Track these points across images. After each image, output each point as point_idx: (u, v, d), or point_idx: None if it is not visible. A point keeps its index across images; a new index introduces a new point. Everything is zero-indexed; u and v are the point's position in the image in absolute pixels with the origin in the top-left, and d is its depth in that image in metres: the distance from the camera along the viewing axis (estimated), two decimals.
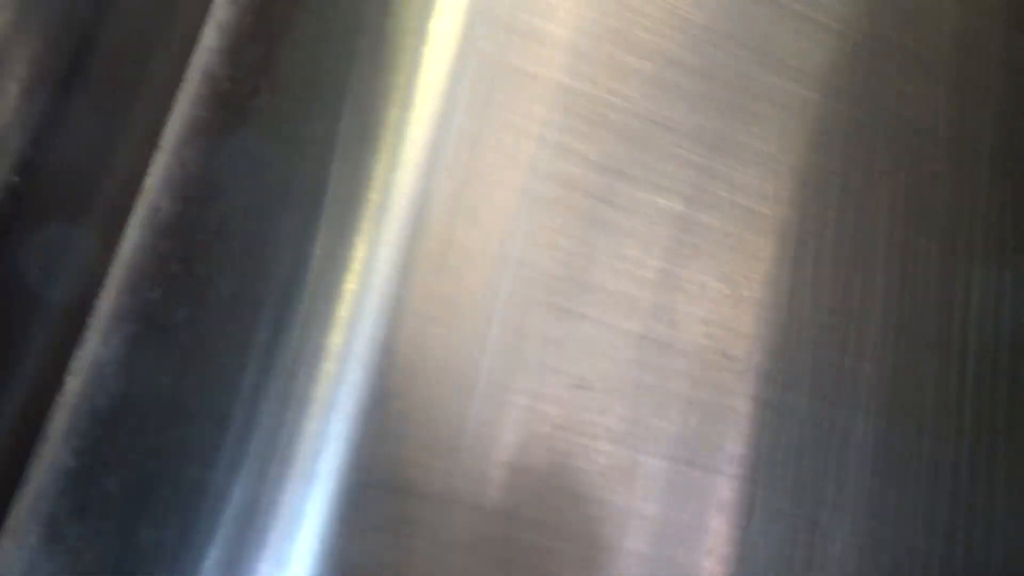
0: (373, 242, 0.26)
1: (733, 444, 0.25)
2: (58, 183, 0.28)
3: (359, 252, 0.27)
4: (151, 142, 0.28)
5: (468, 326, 0.25)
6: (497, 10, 0.28)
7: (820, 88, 0.29)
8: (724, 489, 0.25)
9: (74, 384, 0.27)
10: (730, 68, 0.29)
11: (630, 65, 0.28)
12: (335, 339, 0.26)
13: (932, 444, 0.27)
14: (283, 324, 0.26)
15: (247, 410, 0.25)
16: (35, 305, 0.28)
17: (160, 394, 0.26)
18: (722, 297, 0.26)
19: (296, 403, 0.25)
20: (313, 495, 0.24)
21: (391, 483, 0.24)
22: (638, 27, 0.29)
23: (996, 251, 0.30)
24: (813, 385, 0.27)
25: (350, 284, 0.26)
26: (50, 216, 0.28)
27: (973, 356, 0.29)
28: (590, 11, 0.28)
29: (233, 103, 0.30)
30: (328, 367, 0.25)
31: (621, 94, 0.28)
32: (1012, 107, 0.33)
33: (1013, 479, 0.28)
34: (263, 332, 0.26)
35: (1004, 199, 0.31)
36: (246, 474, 0.25)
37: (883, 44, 0.31)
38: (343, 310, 0.26)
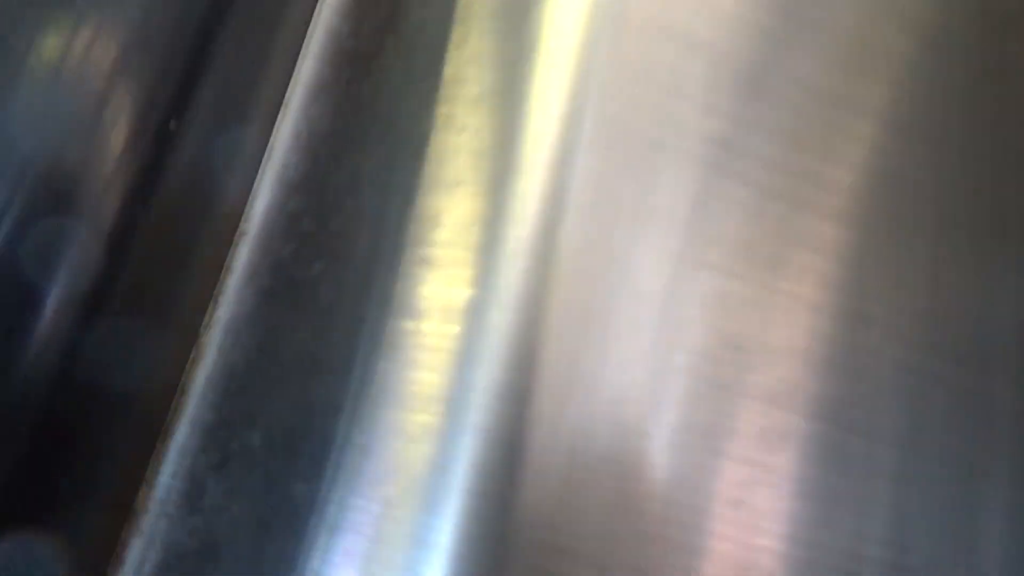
0: (510, 196, 0.26)
1: (884, 410, 0.25)
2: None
3: (486, 207, 0.26)
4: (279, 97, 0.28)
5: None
6: None
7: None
8: (880, 456, 0.24)
9: (208, 339, 0.27)
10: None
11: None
12: (468, 294, 0.25)
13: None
14: (413, 277, 0.26)
15: (386, 366, 0.25)
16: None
17: (298, 348, 0.26)
18: (863, 257, 0.26)
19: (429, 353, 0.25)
20: (457, 446, 0.24)
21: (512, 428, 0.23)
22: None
23: None
24: (957, 352, 0.26)
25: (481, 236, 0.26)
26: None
27: None
28: None
29: (358, 60, 0.29)
30: (461, 321, 0.25)
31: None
32: None
33: None
34: (396, 285, 0.26)
35: None
36: (385, 431, 0.25)
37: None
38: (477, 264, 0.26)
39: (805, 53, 0.28)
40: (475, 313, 0.25)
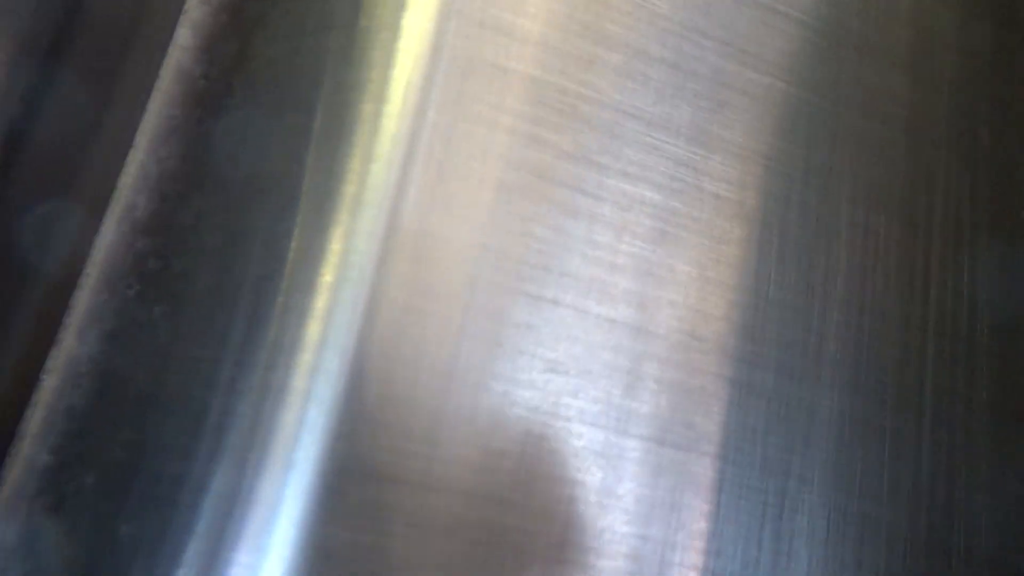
0: (349, 234, 0.27)
1: (704, 423, 0.26)
2: (46, 156, 0.28)
3: (335, 244, 0.27)
4: (126, 137, 0.28)
5: (444, 315, 0.25)
6: (469, 6, 0.28)
7: (783, 76, 0.30)
8: (696, 467, 0.25)
9: (50, 383, 0.28)
10: (696, 59, 0.30)
11: (599, 57, 0.28)
12: (312, 330, 0.26)
13: (895, 418, 0.28)
14: (259, 317, 0.27)
15: (224, 402, 0.26)
16: (22, 283, 0.28)
17: (137, 390, 0.26)
18: (690, 280, 0.27)
19: (274, 394, 0.25)
20: (291, 483, 0.24)
21: (369, 470, 0.24)
22: (607, 20, 0.29)
23: (954, 231, 0.32)
24: (779, 363, 0.27)
25: (327, 276, 0.27)
26: (39, 189, 0.28)
27: (933, 331, 0.30)
28: (560, 5, 0.29)
29: (208, 100, 0.30)
30: (306, 358, 0.26)
31: (591, 85, 0.28)
32: (968, 93, 0.34)
33: (972, 450, 0.28)
34: (240, 325, 0.27)
35: (961, 182, 0.32)
36: (225, 465, 0.25)
37: (843, 32, 0.32)
38: (320, 301, 0.26)
39: (653, 88, 0.29)
40: (320, 350, 0.26)
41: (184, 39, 0.31)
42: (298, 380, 0.25)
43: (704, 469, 0.25)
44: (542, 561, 0.23)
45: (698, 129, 0.29)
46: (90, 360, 0.27)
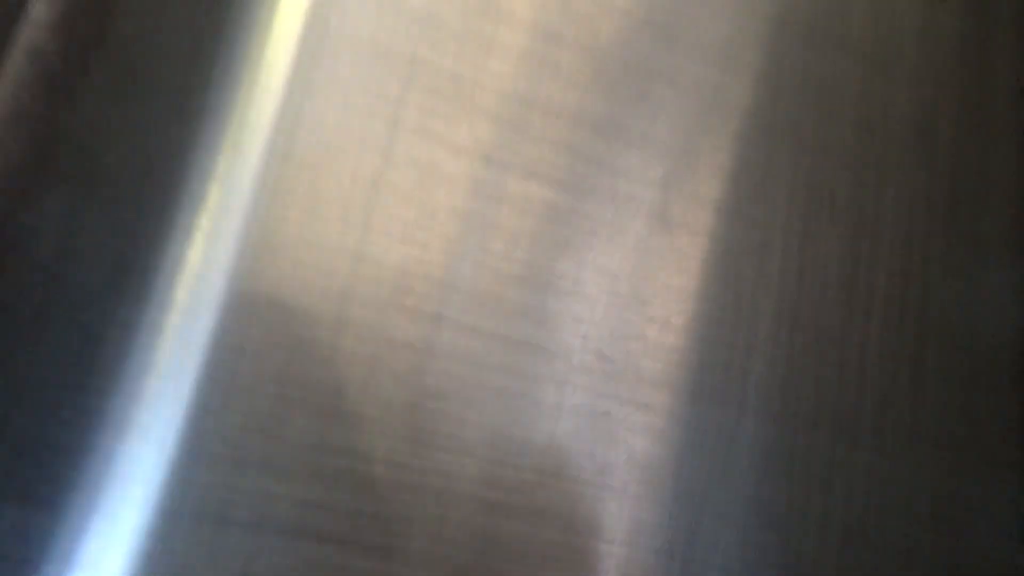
0: (212, 237, 0.23)
1: (605, 452, 0.23)
2: None
3: (194, 253, 0.24)
4: None
5: (316, 333, 0.22)
6: None
7: (716, 63, 0.27)
8: (593, 503, 0.22)
9: None
10: (616, 43, 0.26)
11: (500, 39, 0.25)
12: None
13: (829, 443, 0.24)
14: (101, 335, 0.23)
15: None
16: None
17: None
18: (598, 293, 0.24)
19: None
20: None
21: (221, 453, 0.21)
22: None
23: (904, 239, 0.28)
24: (698, 386, 0.24)
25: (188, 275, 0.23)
26: None
27: (875, 351, 0.26)
28: None
29: (62, 82, 0.26)
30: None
31: (489, 71, 0.25)
32: (929, 84, 0.31)
33: (917, 478, 0.25)
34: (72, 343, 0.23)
35: (915, 183, 0.29)
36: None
37: (788, 15, 0.28)
38: (177, 310, 0.23)
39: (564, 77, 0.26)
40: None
41: (39, 14, 0.27)
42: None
43: (603, 505, 0.22)
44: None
45: (614, 123, 0.25)
46: None
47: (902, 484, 0.25)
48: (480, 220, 0.24)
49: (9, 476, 0.22)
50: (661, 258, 0.25)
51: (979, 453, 0.26)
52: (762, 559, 0.23)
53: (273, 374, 0.21)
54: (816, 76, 0.30)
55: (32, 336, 0.23)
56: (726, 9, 0.28)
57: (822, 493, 0.24)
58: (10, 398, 0.22)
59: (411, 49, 0.24)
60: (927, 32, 0.33)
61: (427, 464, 0.21)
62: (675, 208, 0.26)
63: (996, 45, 0.32)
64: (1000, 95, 0.31)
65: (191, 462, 0.20)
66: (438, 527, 0.20)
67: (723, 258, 0.25)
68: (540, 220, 0.24)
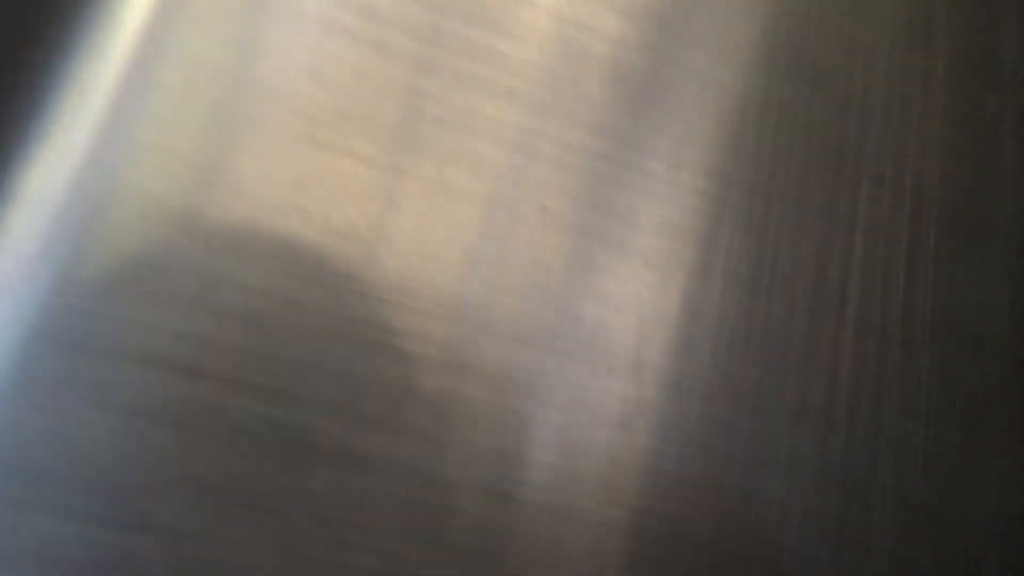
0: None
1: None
2: None
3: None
4: None
5: None
6: None
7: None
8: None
9: None
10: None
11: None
12: None
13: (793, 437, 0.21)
14: None
15: None
16: None
17: None
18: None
19: None
20: None
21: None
22: None
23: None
24: (663, 386, 0.21)
25: None
26: None
27: (849, 350, 0.23)
28: None
29: None
30: None
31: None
32: (912, 60, 0.29)
33: (901, 468, 0.22)
34: None
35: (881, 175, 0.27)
36: None
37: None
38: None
39: None
40: None
41: None
42: None
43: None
44: None
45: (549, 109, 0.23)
46: None
47: (887, 471, 0.22)
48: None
49: None
50: (611, 258, 0.21)
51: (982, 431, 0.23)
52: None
53: None
54: (784, 52, 0.28)
55: None
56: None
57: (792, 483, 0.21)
58: None
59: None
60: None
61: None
62: (621, 203, 0.22)
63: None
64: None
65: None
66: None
67: (677, 255, 0.22)
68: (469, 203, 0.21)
